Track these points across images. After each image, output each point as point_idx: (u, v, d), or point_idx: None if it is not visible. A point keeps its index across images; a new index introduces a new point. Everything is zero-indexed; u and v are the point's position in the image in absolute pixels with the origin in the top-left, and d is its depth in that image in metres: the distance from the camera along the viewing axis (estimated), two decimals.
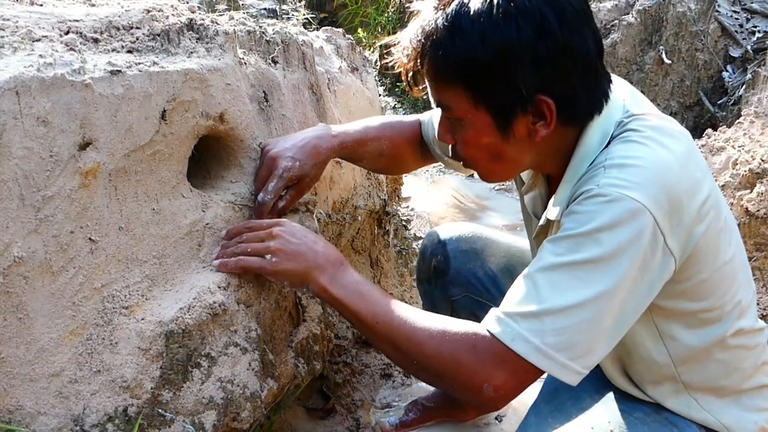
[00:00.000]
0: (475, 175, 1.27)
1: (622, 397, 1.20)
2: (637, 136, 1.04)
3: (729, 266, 1.12)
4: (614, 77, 1.15)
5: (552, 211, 1.14)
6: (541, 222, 1.19)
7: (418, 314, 1.10)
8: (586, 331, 0.99)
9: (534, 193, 1.27)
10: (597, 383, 1.23)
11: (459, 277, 1.61)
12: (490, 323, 1.03)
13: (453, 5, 1.03)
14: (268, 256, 1.13)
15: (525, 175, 1.32)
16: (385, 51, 1.18)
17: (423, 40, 1.05)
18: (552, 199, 1.15)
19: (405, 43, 1.09)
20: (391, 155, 1.46)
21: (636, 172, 0.99)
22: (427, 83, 1.10)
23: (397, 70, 1.13)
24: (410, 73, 1.11)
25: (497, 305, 1.07)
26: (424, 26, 1.05)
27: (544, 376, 1.10)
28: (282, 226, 1.17)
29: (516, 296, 1.03)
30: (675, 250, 1.01)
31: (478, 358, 1.02)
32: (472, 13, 1.00)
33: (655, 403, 1.19)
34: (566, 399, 1.22)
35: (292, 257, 1.13)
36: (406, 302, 2.44)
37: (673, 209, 0.99)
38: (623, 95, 1.13)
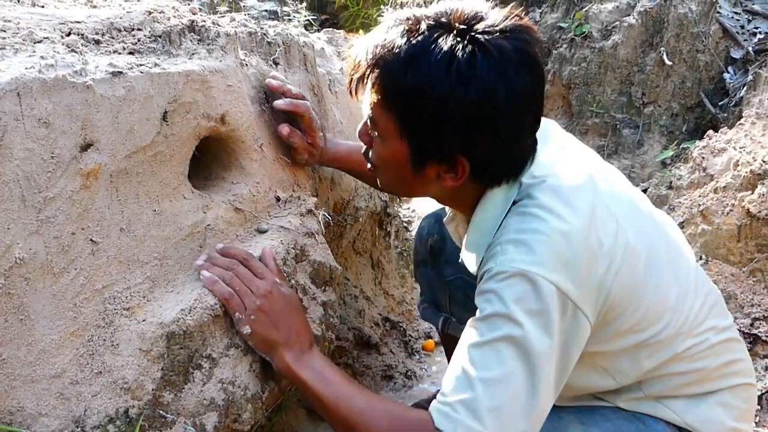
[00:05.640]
0: None
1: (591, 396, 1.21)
2: (532, 206, 1.05)
3: (672, 290, 1.13)
4: (543, 121, 1.14)
5: (467, 257, 1.19)
6: (461, 259, 1.22)
7: (376, 402, 1.10)
8: (517, 401, 0.99)
9: (454, 225, 1.33)
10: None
11: (454, 257, 1.61)
12: (435, 414, 1.02)
13: (420, 38, 1.01)
14: (248, 312, 1.12)
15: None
16: (350, 45, 1.17)
17: (380, 56, 1.04)
18: (465, 239, 1.19)
19: (362, 50, 1.08)
20: None
21: (530, 248, 1.00)
22: (366, 91, 1.09)
23: (345, 67, 1.14)
24: (356, 75, 1.09)
25: None
26: (386, 44, 1.04)
27: None
28: (273, 289, 1.15)
29: (451, 382, 1.03)
30: (587, 310, 1.02)
31: None
32: (432, 56, 1.00)
33: None
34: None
35: (267, 325, 1.13)
36: (406, 304, 2.46)
37: (575, 274, 1.00)
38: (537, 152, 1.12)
